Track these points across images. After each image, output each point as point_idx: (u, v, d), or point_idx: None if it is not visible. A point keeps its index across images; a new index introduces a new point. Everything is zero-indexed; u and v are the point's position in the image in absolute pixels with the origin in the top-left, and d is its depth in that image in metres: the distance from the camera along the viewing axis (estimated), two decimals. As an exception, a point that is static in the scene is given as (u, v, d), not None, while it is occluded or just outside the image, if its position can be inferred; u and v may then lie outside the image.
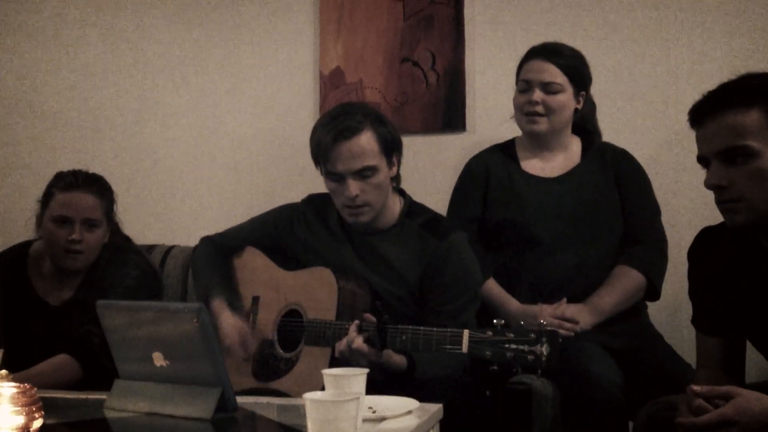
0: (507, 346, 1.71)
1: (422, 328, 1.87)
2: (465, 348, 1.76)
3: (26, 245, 2.50)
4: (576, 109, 2.44)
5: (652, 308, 2.47)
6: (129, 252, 2.47)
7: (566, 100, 2.39)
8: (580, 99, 2.44)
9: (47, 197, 2.38)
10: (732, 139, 1.58)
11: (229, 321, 2.17)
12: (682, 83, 2.68)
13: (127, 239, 2.52)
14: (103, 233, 2.40)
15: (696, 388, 1.57)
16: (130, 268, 2.41)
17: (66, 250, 2.32)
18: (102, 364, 2.08)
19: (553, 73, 2.37)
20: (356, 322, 1.93)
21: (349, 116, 2.14)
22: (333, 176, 2.15)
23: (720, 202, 1.64)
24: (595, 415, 2.10)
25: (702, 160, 1.65)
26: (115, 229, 2.46)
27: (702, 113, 1.62)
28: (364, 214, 2.16)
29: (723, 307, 1.75)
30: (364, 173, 2.12)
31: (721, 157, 1.60)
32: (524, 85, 2.42)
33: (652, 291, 2.38)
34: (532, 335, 1.69)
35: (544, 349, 1.67)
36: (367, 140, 2.12)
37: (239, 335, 2.15)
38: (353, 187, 2.12)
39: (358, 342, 1.90)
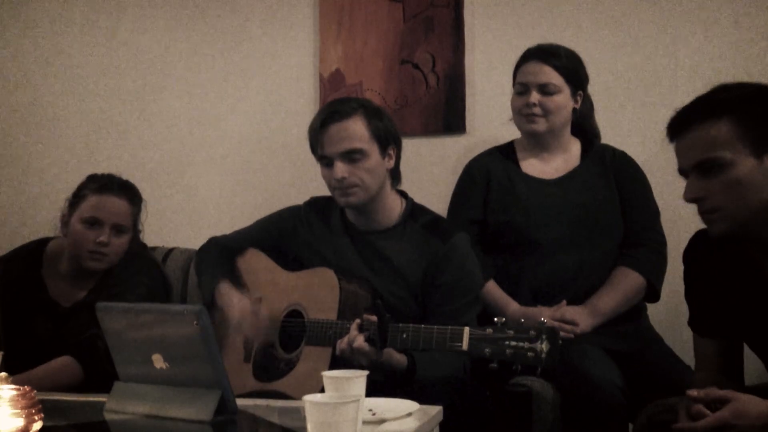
0: (507, 343, 1.71)
1: (423, 325, 1.87)
2: (465, 345, 1.76)
3: (42, 243, 2.49)
4: (574, 109, 2.44)
5: (653, 310, 2.47)
6: (144, 260, 2.47)
7: (563, 101, 2.40)
8: (578, 98, 2.44)
9: (78, 198, 2.38)
10: (704, 151, 1.61)
11: (238, 298, 2.18)
12: (682, 82, 2.68)
13: (144, 247, 2.53)
14: (128, 240, 2.40)
15: (694, 393, 1.57)
16: (143, 276, 2.41)
17: (91, 251, 2.33)
18: (104, 368, 2.08)
19: (549, 75, 2.37)
20: (357, 321, 1.93)
21: (343, 103, 2.18)
22: (324, 160, 2.17)
23: (700, 213, 1.67)
24: (595, 418, 2.10)
25: (682, 172, 1.69)
26: (134, 236, 2.45)
27: (676, 128, 1.66)
28: (353, 194, 2.15)
29: (718, 309, 1.76)
30: (351, 155, 2.12)
31: (696, 169, 1.64)
32: (521, 88, 2.42)
33: (652, 293, 2.38)
34: (532, 332, 1.69)
35: (544, 347, 1.67)
36: (355, 124, 2.13)
37: (250, 311, 2.15)
38: (340, 169, 2.12)
39: (360, 341, 1.89)
